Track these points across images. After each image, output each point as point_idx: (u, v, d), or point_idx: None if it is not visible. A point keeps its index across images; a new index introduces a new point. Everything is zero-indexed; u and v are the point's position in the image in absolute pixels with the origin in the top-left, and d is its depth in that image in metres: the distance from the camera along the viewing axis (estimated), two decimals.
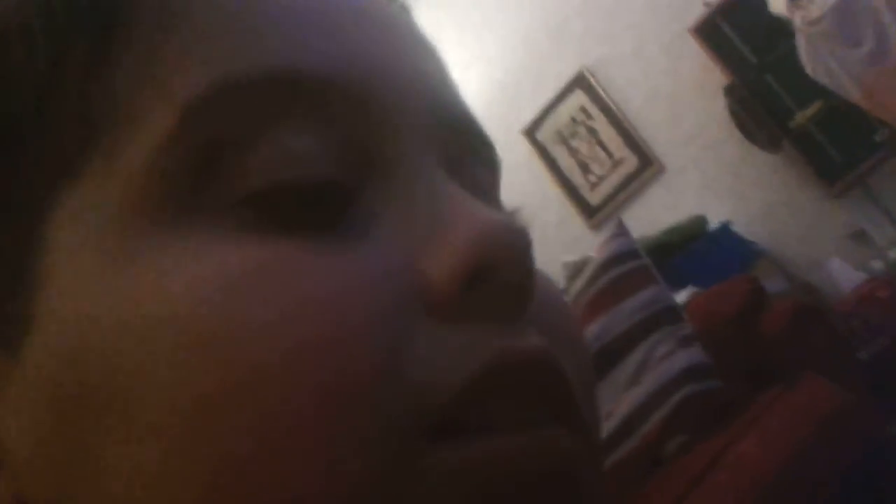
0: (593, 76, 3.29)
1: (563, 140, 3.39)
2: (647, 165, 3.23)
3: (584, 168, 3.36)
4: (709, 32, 3.06)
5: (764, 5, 2.83)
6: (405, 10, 0.35)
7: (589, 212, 3.38)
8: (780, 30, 2.84)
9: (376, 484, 0.21)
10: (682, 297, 2.06)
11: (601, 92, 3.27)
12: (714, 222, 2.93)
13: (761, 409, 1.34)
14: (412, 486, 0.21)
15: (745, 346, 1.70)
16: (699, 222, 2.91)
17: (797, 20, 2.72)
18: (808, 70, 2.72)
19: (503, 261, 0.23)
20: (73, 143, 0.24)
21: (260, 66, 0.25)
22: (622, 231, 1.71)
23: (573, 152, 3.38)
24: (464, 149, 0.30)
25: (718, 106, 3.05)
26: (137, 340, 0.22)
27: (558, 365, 0.24)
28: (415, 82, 0.28)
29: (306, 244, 0.23)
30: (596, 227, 3.33)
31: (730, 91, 2.97)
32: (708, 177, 3.17)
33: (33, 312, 0.24)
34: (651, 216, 3.12)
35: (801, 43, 2.74)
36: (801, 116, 2.91)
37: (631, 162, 3.25)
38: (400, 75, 0.28)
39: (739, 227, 2.94)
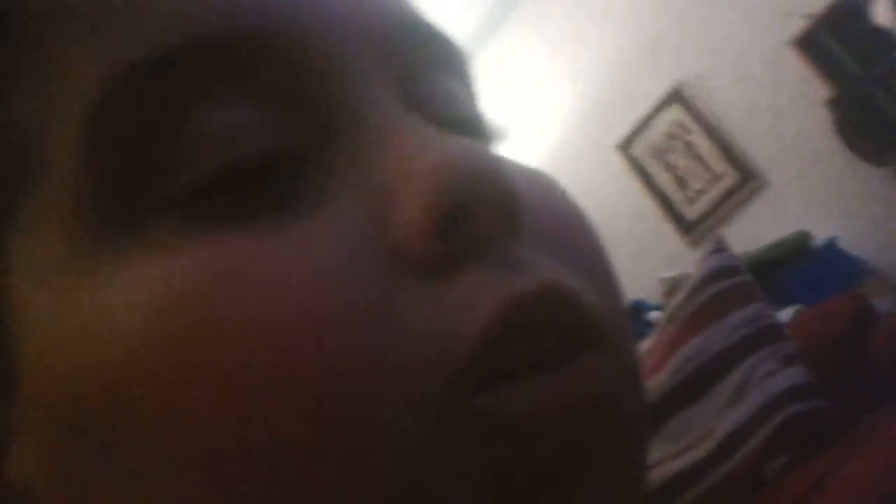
0: (690, 90, 3.25)
1: (659, 155, 3.35)
2: (747, 180, 3.16)
3: (681, 183, 3.32)
4: (810, 45, 2.98)
5: (867, 16, 2.75)
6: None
7: (686, 227, 3.33)
8: (887, 40, 2.75)
9: (415, 457, 0.19)
10: (785, 315, 2.02)
11: (699, 106, 3.23)
12: (819, 239, 2.85)
13: (867, 430, 1.31)
14: (454, 446, 0.19)
15: (852, 366, 1.65)
16: (803, 238, 2.83)
17: None
18: None
19: (474, 194, 0.20)
20: (4, 186, 0.23)
21: (158, 46, 0.22)
22: (723, 247, 1.69)
23: (669, 167, 3.34)
24: (427, 64, 0.26)
25: (822, 119, 2.96)
26: (114, 368, 0.20)
27: (568, 292, 0.21)
28: (350, 13, 0.25)
29: (262, 231, 0.21)
30: (693, 243, 3.28)
31: (833, 104, 2.88)
32: (812, 192, 3.08)
33: (16, 355, 0.23)
34: (752, 232, 3.05)
35: None
36: None
37: (731, 177, 3.20)
38: (332, 13, 0.24)
39: (846, 244, 2.85)
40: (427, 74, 0.26)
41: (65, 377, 0.21)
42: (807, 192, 3.09)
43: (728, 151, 3.19)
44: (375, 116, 0.23)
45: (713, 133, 3.21)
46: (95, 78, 0.21)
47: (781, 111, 3.10)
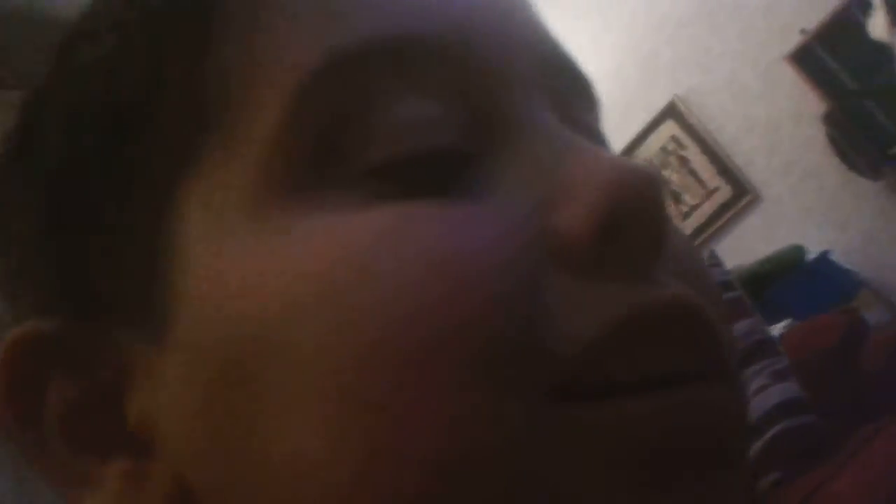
0: (685, 105, 3.27)
1: (661, 166, 3.37)
2: (741, 195, 3.18)
3: (676, 198, 3.33)
4: (806, 59, 3.00)
5: (863, 31, 2.77)
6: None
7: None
8: (881, 55, 2.77)
9: (513, 437, 0.21)
10: (778, 329, 2.03)
11: (693, 121, 3.25)
12: (813, 252, 2.86)
13: (858, 445, 1.31)
14: (546, 442, 0.21)
15: (844, 381, 1.66)
16: (797, 252, 2.85)
17: None
18: None
19: (638, 208, 0.22)
20: (189, 130, 0.25)
21: (368, 36, 0.24)
22: (716, 261, 1.70)
23: (671, 178, 3.35)
24: (568, 91, 0.29)
25: (817, 133, 2.98)
26: (284, 310, 0.22)
27: (704, 311, 0.23)
28: (518, 34, 0.28)
29: (432, 205, 0.23)
30: None
31: (828, 118, 2.90)
32: (806, 205, 3.10)
33: (173, 296, 0.25)
34: (746, 246, 3.06)
35: None
36: None
37: (725, 191, 3.21)
38: (504, 30, 0.28)
39: (839, 257, 2.86)
40: (570, 100, 0.29)
41: (223, 321, 0.23)
42: (801, 206, 3.11)
43: (722, 166, 3.21)
44: (538, 122, 0.26)
45: (707, 148, 3.23)
46: (309, 56, 0.24)
47: (776, 126, 3.12)
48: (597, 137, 0.30)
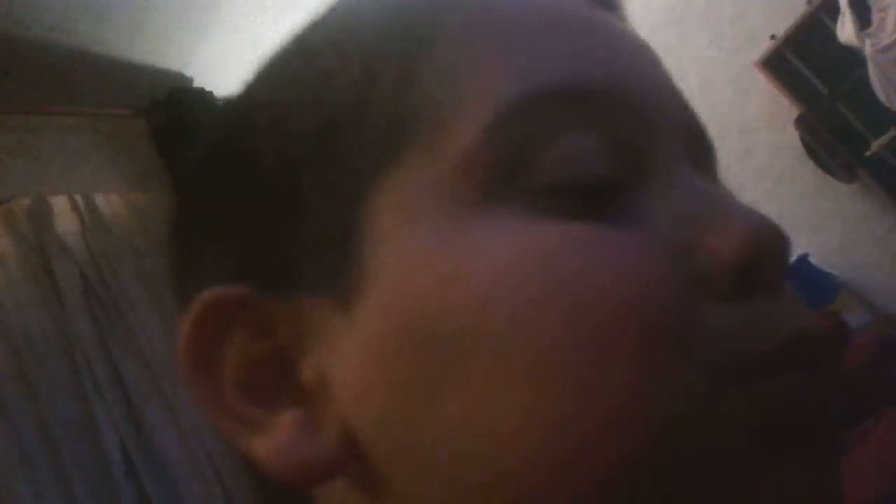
0: None
1: None
2: None
3: None
4: (776, 65, 3.03)
5: (832, 36, 2.80)
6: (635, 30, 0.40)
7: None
8: (850, 59, 2.80)
9: (694, 404, 0.25)
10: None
11: None
12: (792, 255, 2.87)
13: (857, 438, 1.31)
14: (716, 410, 0.25)
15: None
16: None
17: (867, 48, 2.68)
18: (882, 98, 2.68)
19: (774, 249, 0.28)
20: (394, 138, 0.30)
21: (556, 82, 0.30)
22: None
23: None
24: (700, 149, 0.34)
25: (791, 138, 3.01)
26: (480, 298, 0.27)
27: (831, 343, 0.32)
28: (665, 90, 0.34)
29: (596, 225, 0.28)
30: None
31: (801, 122, 2.93)
32: (783, 209, 3.12)
33: (367, 275, 0.29)
34: None
35: (872, 71, 2.70)
36: (877, 144, 2.85)
37: None
38: (656, 84, 0.33)
39: (818, 260, 2.88)
40: (703, 159, 0.34)
41: (419, 300, 0.28)
42: (778, 210, 3.13)
43: None
44: (681, 167, 0.31)
45: None
46: (507, 92, 0.29)
47: (750, 131, 3.14)
48: (723, 186, 0.36)
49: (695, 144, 0.33)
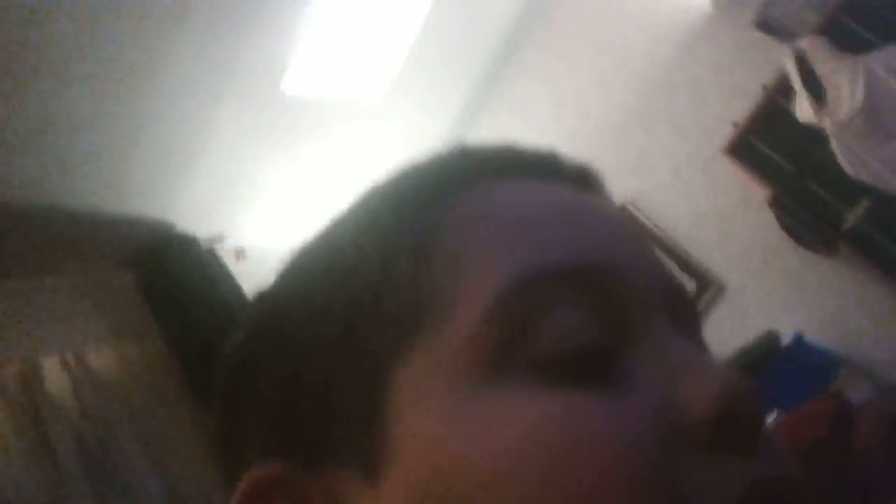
0: (636, 208, 3.34)
1: None
2: (706, 287, 3.20)
3: None
4: (742, 150, 3.10)
5: (792, 116, 2.88)
6: (619, 208, 0.46)
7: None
8: (813, 136, 2.87)
9: None
10: (768, 423, 2.00)
11: (646, 222, 3.31)
12: (786, 335, 2.87)
13: None
14: None
15: (840, 467, 1.63)
16: (771, 338, 2.85)
17: (827, 125, 2.75)
18: (849, 170, 2.73)
19: (745, 404, 0.31)
20: (407, 324, 0.34)
21: (546, 263, 0.34)
22: None
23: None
24: (680, 310, 0.38)
25: (767, 218, 3.05)
26: (482, 476, 0.30)
27: (804, 487, 0.32)
28: (645, 260, 0.38)
29: (589, 394, 0.31)
30: None
31: (773, 203, 2.97)
32: (771, 290, 3.13)
33: (389, 451, 0.33)
34: (720, 338, 3.06)
35: (836, 146, 2.76)
36: (852, 216, 2.89)
37: (689, 286, 3.24)
38: (636, 256, 0.38)
39: (813, 336, 2.87)
40: (683, 318, 0.37)
41: (435, 477, 0.31)
42: (766, 291, 3.14)
43: (682, 262, 3.25)
44: (663, 332, 0.35)
45: (665, 246, 3.27)
46: (504, 276, 0.34)
47: (725, 216, 3.19)
48: (701, 345, 0.39)
49: (675, 305, 0.37)
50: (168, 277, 2.84)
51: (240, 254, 3.33)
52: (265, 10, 2.60)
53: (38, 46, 2.14)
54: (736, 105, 3.12)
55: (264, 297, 0.41)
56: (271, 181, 3.33)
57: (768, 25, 2.95)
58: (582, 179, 0.44)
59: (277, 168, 3.29)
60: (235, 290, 2.84)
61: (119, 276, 2.88)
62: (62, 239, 2.71)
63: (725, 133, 3.13)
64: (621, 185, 3.36)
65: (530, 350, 0.32)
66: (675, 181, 3.28)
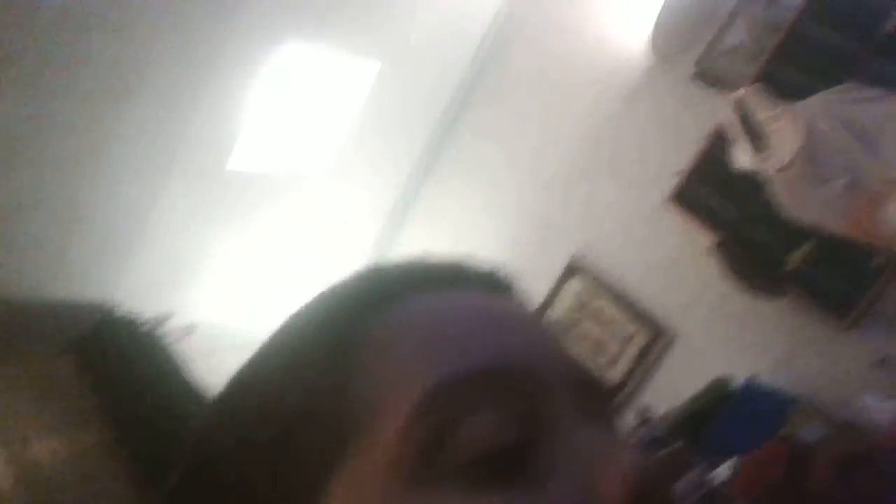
0: (586, 261, 3.36)
1: (571, 327, 3.40)
2: (658, 336, 3.22)
3: (597, 350, 3.35)
4: (685, 198, 3.15)
5: (729, 164, 2.94)
6: (526, 307, 0.48)
7: (611, 391, 3.32)
8: (754, 181, 2.93)
9: None
10: (725, 469, 1.99)
11: (597, 274, 3.33)
12: (739, 379, 2.88)
13: None
14: None
15: None
16: (721, 384, 2.86)
17: (767, 169, 2.81)
18: (789, 213, 2.78)
19: (653, 491, 0.33)
20: (336, 441, 0.36)
21: (456, 372, 0.36)
22: (647, 416, 1.68)
23: (583, 338, 3.38)
24: (590, 398, 0.40)
25: (714, 264, 3.08)
26: None
27: None
28: (554, 357, 0.40)
29: (509, 494, 0.33)
30: (622, 405, 3.27)
31: (718, 248, 3.02)
32: (721, 335, 3.16)
33: None
34: (673, 387, 3.07)
35: (776, 190, 2.82)
36: (794, 259, 2.94)
37: (641, 335, 3.25)
38: (546, 352, 0.40)
39: (765, 379, 2.89)
40: (594, 403, 0.40)
41: None
42: (716, 336, 3.17)
43: (633, 312, 3.26)
44: (577, 422, 0.37)
45: (616, 297, 3.29)
46: (421, 385, 0.36)
47: (674, 264, 3.22)
48: (615, 431, 0.42)
49: (586, 396, 0.40)
50: (112, 362, 2.77)
51: (189, 330, 3.25)
52: (211, 87, 2.60)
53: None
54: (678, 155, 3.19)
55: (200, 428, 0.43)
56: (218, 256, 3.30)
57: (706, 77, 3.04)
58: (491, 283, 0.47)
59: (224, 242, 3.26)
60: (181, 370, 2.77)
61: (62, 363, 2.79)
62: (1, 327, 2.61)
63: (669, 182, 3.19)
64: (571, 239, 3.39)
65: (451, 456, 0.34)
66: (623, 231, 3.32)
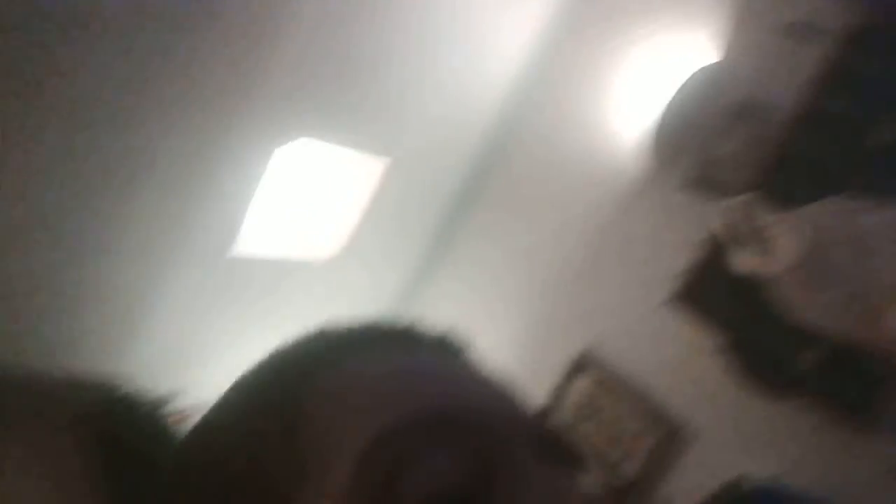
0: (593, 357, 3.37)
1: (579, 423, 3.38)
2: (669, 435, 3.19)
3: (607, 448, 3.32)
4: (691, 297, 3.18)
5: (733, 266, 2.97)
6: (478, 368, 0.48)
7: (621, 494, 3.28)
8: (757, 283, 2.95)
9: None
10: None
11: (605, 371, 3.33)
12: (750, 481, 2.83)
13: None
14: None
15: None
16: (734, 487, 2.81)
17: (769, 273, 2.84)
18: (795, 318, 2.79)
19: None
20: (289, 485, 0.37)
21: (401, 418, 0.37)
22: None
23: (592, 435, 3.36)
24: (541, 442, 0.41)
25: (724, 364, 3.08)
26: None
27: None
28: (499, 403, 0.42)
29: None
30: None
31: (727, 350, 3.02)
32: (733, 435, 3.12)
33: None
34: (684, 488, 3.03)
35: (779, 293, 2.84)
36: (804, 361, 2.94)
37: (652, 433, 3.22)
38: (493, 403, 0.41)
39: (779, 481, 2.84)
40: (546, 452, 0.40)
41: None
42: (728, 438, 3.13)
43: (644, 409, 3.24)
44: (526, 466, 0.38)
45: (625, 394, 3.28)
46: (361, 437, 0.36)
47: (683, 362, 3.22)
48: (566, 474, 0.42)
49: (540, 443, 0.41)
50: (116, 439, 2.74)
51: (193, 410, 3.24)
52: (219, 172, 2.69)
53: None
54: (682, 255, 3.22)
55: (173, 461, 0.46)
56: (223, 339, 3.32)
57: (705, 182, 3.11)
58: (442, 346, 0.49)
59: (228, 326, 3.29)
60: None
61: (65, 438, 2.77)
62: (2, 406, 2.62)
63: (675, 282, 3.22)
64: (577, 335, 3.41)
65: (401, 500, 0.35)
66: (631, 329, 3.33)
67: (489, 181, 3.82)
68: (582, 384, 3.38)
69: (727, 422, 3.14)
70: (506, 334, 3.64)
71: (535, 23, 3.51)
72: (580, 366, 3.40)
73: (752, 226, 2.79)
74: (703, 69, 3.05)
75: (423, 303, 3.92)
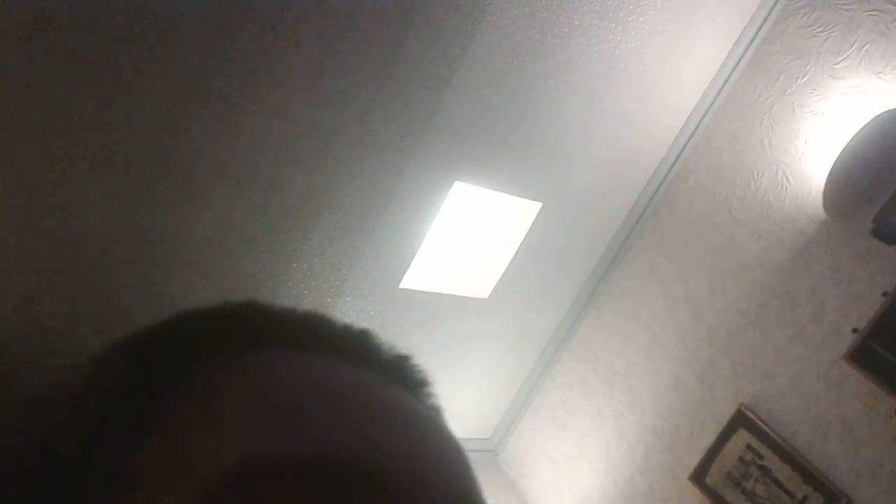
0: (753, 413, 3.24)
1: (736, 482, 3.26)
2: (833, 502, 3.03)
3: None
4: (864, 357, 3.01)
5: None
6: (434, 407, 0.39)
7: None
8: None
9: None
10: None
11: (765, 428, 3.20)
12: None
13: None
14: None
15: None
16: None
17: None
18: None
19: None
20: (116, 490, 0.31)
21: (279, 451, 0.29)
22: None
23: (749, 495, 3.23)
24: None
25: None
26: None
27: None
28: (428, 471, 0.32)
29: None
30: None
31: None
32: None
33: None
34: None
35: None
36: None
37: (815, 499, 3.06)
38: (413, 462, 0.31)
39: None
40: None
41: None
42: None
43: (806, 473, 3.09)
44: None
45: (786, 455, 3.14)
46: (213, 464, 0.29)
47: (851, 426, 3.05)
48: None
49: None
50: None
51: None
52: (392, 212, 2.82)
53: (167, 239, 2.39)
54: (855, 311, 3.07)
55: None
56: None
57: (884, 234, 2.96)
58: (394, 371, 0.39)
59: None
60: None
61: None
62: None
63: (846, 339, 3.06)
64: (737, 389, 3.30)
65: None
66: (795, 387, 3.19)
67: (648, 225, 3.78)
68: (743, 439, 3.26)
69: (894, 495, 2.94)
70: (662, 379, 3.58)
71: (712, 67, 3.47)
72: (740, 420, 3.28)
73: None
74: (886, 111, 2.91)
75: (576, 341, 3.92)
